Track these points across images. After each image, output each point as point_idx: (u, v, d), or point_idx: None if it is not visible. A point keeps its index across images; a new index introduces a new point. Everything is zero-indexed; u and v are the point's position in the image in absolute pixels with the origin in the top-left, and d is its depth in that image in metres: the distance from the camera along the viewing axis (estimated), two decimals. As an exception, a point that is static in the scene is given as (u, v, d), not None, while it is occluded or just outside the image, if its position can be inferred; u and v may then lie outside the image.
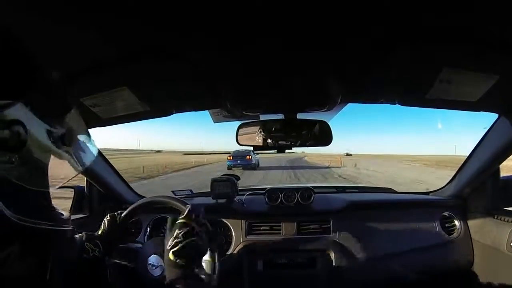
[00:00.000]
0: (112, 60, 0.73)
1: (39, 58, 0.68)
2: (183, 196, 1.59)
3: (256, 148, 1.07)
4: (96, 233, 0.92)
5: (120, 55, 0.72)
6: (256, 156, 17.14)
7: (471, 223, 1.39)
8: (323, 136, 1.01)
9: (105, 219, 0.94)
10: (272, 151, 1.11)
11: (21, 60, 0.47)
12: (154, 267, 0.83)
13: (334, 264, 1.28)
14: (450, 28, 0.62)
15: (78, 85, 0.83)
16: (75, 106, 0.57)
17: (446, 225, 1.39)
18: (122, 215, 0.95)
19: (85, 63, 0.74)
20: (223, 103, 1.00)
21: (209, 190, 1.47)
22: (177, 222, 0.75)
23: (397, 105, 1.02)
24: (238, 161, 15.92)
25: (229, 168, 15.39)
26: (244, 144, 1.06)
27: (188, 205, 0.79)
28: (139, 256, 0.87)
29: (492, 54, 0.69)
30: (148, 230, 1.40)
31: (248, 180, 10.00)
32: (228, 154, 17.25)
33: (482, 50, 0.68)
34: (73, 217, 1.39)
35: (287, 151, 1.11)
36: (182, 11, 0.56)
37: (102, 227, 0.92)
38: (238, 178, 1.50)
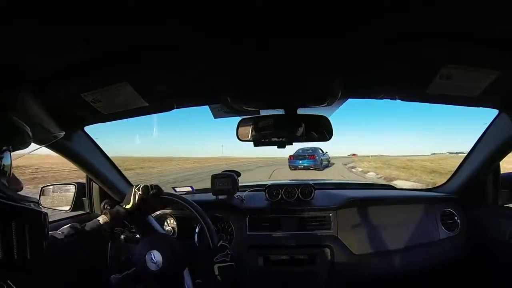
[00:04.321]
0: (113, 55, 0.73)
1: (41, 55, 0.68)
2: (183, 193, 1.60)
3: (256, 143, 1.07)
4: (120, 210, 0.91)
5: (121, 51, 0.72)
6: (325, 154, 15.52)
7: (471, 219, 1.39)
8: (324, 131, 1.02)
9: (135, 190, 0.92)
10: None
11: None
12: (152, 262, 0.83)
13: (334, 260, 1.28)
14: (451, 24, 0.63)
15: (79, 81, 0.83)
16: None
17: (447, 221, 1.39)
18: (158, 194, 0.93)
19: (86, 58, 0.74)
20: (223, 98, 1.00)
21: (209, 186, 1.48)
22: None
23: (398, 100, 1.02)
24: (300, 161, 13.77)
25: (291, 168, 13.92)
26: (244, 139, 1.06)
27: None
28: (137, 250, 0.87)
29: (492, 50, 0.70)
30: None
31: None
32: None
33: (483, 46, 0.68)
34: (73, 213, 1.40)
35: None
36: (182, 9, 0.56)
37: (132, 202, 0.91)
38: (238, 174, 1.50)
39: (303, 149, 14.13)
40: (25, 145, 0.61)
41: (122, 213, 0.91)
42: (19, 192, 0.58)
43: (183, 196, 0.96)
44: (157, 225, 0.96)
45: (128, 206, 0.91)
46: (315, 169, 13.52)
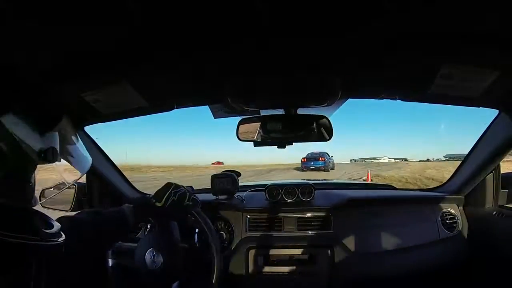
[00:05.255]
0: (113, 55, 0.73)
1: (40, 55, 0.68)
2: None
3: (256, 143, 1.07)
4: (150, 204, 0.87)
5: (121, 51, 0.72)
6: (331, 158, 17.64)
7: (471, 219, 1.39)
8: (324, 131, 1.02)
9: (172, 191, 0.87)
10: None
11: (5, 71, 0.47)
12: (152, 260, 0.84)
13: (334, 260, 1.28)
14: (451, 24, 0.63)
15: (79, 80, 0.83)
16: (64, 113, 0.57)
17: (447, 221, 1.39)
18: (191, 208, 0.90)
19: (86, 58, 0.74)
20: (224, 98, 1.00)
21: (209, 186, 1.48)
22: None
23: (398, 100, 1.02)
24: (312, 163, 15.85)
25: (303, 170, 15.99)
26: (244, 139, 1.06)
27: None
28: (137, 249, 0.88)
29: (492, 50, 0.70)
30: (148, 226, 1.40)
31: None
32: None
33: (483, 46, 0.69)
34: (73, 213, 1.39)
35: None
36: (182, 9, 0.56)
37: (163, 202, 0.86)
38: (239, 174, 1.50)
39: (312, 153, 16.25)
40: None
41: (150, 208, 0.87)
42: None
43: (209, 221, 0.92)
44: (177, 231, 0.92)
45: (158, 204, 0.86)
46: (324, 170, 15.38)
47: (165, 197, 0.86)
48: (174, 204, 0.87)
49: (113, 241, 0.84)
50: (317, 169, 15.62)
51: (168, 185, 0.89)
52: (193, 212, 0.90)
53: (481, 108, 1.00)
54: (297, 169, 18.43)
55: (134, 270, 0.86)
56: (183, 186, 0.92)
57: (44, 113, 0.54)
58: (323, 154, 16.15)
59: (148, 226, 1.41)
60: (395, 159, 40.58)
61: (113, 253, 0.89)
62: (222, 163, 34.86)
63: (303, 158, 16.63)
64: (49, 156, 0.51)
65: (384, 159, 39.52)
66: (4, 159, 0.45)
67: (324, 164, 15.81)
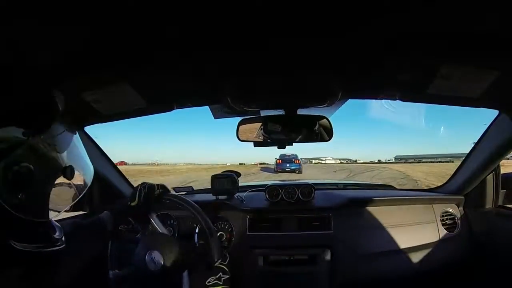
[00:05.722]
0: (113, 55, 0.73)
1: (40, 55, 0.68)
2: (183, 194, 1.59)
3: (256, 143, 1.07)
4: (125, 206, 0.91)
5: (121, 51, 0.72)
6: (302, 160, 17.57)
7: (471, 219, 1.39)
8: (324, 132, 1.02)
9: (141, 187, 0.92)
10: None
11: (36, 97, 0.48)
12: (152, 262, 0.83)
13: (334, 261, 1.28)
14: (451, 24, 0.63)
15: (79, 81, 0.83)
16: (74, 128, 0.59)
17: (447, 221, 1.39)
18: (163, 195, 0.94)
19: (86, 58, 0.74)
20: (223, 98, 1.00)
21: (209, 187, 1.48)
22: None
23: (398, 101, 1.02)
24: (288, 165, 15.63)
25: (276, 171, 15.76)
26: (244, 140, 1.06)
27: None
28: (137, 250, 0.87)
29: (492, 50, 0.70)
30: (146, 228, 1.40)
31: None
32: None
33: (483, 46, 0.68)
34: (73, 214, 1.39)
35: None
36: (182, 9, 0.56)
37: (137, 200, 0.91)
38: (239, 174, 1.50)
39: (284, 154, 15.79)
40: None
41: (127, 210, 0.92)
42: None
43: (185, 198, 0.96)
44: (159, 224, 0.97)
45: (133, 203, 0.91)
46: (298, 172, 15.23)
47: (137, 194, 0.92)
48: (147, 196, 0.92)
49: (93, 246, 0.86)
50: (292, 171, 15.41)
51: (136, 186, 0.95)
52: (166, 197, 0.94)
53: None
54: (263, 170, 18.32)
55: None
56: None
57: (45, 114, 0.55)
58: (296, 156, 15.98)
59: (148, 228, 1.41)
60: (340, 160, 40.48)
61: (114, 283, 0.91)
62: (125, 163, 35.22)
63: (277, 159, 16.33)
64: (67, 175, 0.54)
65: (328, 160, 39.38)
66: (26, 181, 0.48)
67: (299, 167, 15.71)
